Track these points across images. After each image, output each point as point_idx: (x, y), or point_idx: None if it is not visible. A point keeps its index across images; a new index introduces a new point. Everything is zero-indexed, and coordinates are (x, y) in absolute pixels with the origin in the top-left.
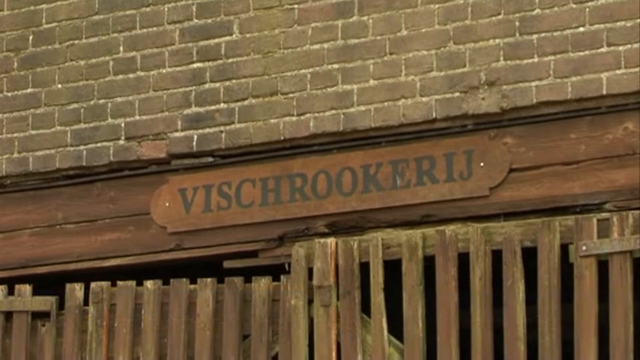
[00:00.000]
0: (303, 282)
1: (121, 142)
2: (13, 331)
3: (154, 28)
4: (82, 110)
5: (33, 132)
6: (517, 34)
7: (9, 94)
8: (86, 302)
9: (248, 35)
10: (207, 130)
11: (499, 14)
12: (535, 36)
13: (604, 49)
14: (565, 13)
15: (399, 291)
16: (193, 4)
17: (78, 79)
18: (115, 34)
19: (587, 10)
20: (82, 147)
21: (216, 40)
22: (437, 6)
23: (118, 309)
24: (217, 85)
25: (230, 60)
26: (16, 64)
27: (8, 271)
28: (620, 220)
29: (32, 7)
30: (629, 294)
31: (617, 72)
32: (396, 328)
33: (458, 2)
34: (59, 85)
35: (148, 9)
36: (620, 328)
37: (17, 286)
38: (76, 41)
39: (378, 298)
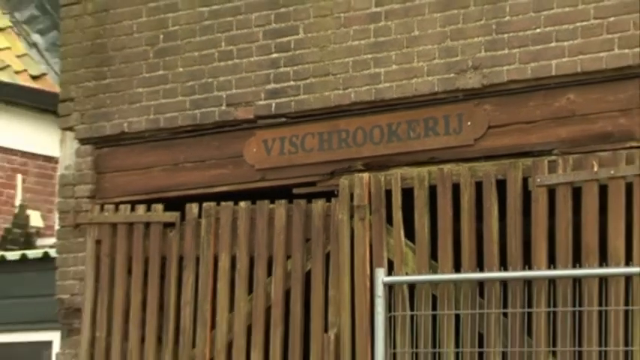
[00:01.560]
0: (346, 203)
1: (223, 107)
2: (150, 236)
3: (245, 30)
4: (197, 86)
5: (163, 100)
6: (494, 34)
7: (147, 75)
8: (200, 216)
9: (309, 35)
10: (281, 100)
11: (481, 20)
12: (506, 35)
13: (553, 44)
14: (527, 19)
15: (412, 209)
16: (272, 14)
17: (194, 65)
18: (219, 34)
19: (542, 17)
20: (196, 111)
21: (288, 38)
22: (439, 14)
23: (221, 221)
24: (288, 69)
25: (297, 52)
26: (151, 54)
27: (147, 194)
28: (563, 162)
29: (162, 15)
30: (570, 212)
31: (563, 60)
32: (410, 234)
33: (453, 12)
34: (181, 69)
35: (241, 17)
36: (562, 235)
37: (153, 205)
38: (192, 39)
39: (397, 214)
